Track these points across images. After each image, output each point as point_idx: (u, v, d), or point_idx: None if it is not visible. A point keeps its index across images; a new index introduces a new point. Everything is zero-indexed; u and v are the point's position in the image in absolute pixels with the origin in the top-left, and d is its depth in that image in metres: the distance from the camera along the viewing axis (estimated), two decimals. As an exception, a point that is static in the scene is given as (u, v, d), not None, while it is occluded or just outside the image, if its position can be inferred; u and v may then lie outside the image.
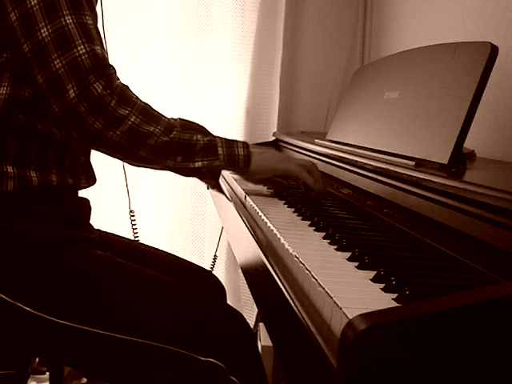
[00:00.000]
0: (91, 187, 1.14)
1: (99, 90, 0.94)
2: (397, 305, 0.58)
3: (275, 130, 2.08)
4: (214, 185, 1.14)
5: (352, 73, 1.74)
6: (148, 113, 1.00)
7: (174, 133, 1.01)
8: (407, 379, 0.45)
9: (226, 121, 2.05)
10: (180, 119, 1.06)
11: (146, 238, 1.97)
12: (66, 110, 0.94)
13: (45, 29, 0.94)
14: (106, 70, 0.97)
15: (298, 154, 1.62)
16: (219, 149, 1.05)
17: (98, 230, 1.19)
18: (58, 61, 0.94)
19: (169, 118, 1.04)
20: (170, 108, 2.03)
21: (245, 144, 1.08)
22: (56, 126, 1.02)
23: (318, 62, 2.15)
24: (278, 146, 1.88)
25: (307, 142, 1.51)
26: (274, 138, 1.94)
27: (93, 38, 0.97)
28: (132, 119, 0.97)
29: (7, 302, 0.93)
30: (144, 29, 2.01)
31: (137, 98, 1.01)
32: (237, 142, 1.08)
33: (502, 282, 0.62)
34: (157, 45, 2.02)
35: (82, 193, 1.13)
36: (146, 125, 0.99)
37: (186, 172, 1.07)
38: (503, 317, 0.46)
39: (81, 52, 0.94)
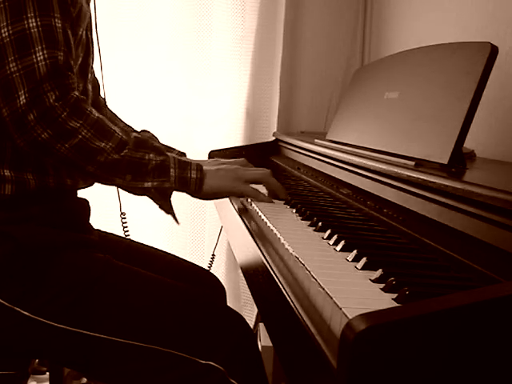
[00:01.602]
0: (90, 187, 1.14)
1: (51, 100, 0.91)
2: (397, 305, 0.58)
3: (275, 130, 2.07)
4: (165, 206, 1.07)
5: (352, 73, 1.74)
6: (100, 128, 0.96)
7: (126, 151, 0.98)
8: (407, 379, 0.45)
9: (226, 121, 2.05)
10: (135, 136, 1.02)
11: (146, 238, 1.96)
12: (15, 116, 0.91)
13: (5, 29, 0.90)
14: (63, 80, 0.93)
15: (297, 154, 1.62)
16: (171, 170, 1.01)
17: (98, 230, 1.18)
18: (14, 64, 0.90)
19: (124, 134, 0.99)
20: (170, 108, 2.03)
21: (198, 166, 1.05)
22: (7, 134, 0.98)
23: (318, 62, 2.14)
24: (278, 146, 1.88)
25: (307, 142, 1.51)
26: (273, 138, 1.94)
27: (57, 42, 0.93)
28: (83, 133, 0.94)
29: (5, 306, 0.93)
30: (144, 29, 2.00)
31: (90, 111, 0.97)
32: (191, 163, 1.04)
33: (501, 282, 0.62)
34: (157, 45, 2.02)
35: (81, 193, 1.13)
36: (97, 140, 0.95)
37: (135, 191, 1.03)
38: (503, 317, 0.46)
39: (39, 58, 0.91)
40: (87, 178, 1.03)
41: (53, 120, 0.91)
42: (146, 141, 1.03)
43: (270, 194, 1.14)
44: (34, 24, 0.91)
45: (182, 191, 1.06)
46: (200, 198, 1.09)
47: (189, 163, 1.04)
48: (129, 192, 1.05)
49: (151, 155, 1.00)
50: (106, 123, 0.98)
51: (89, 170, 0.97)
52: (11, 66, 0.90)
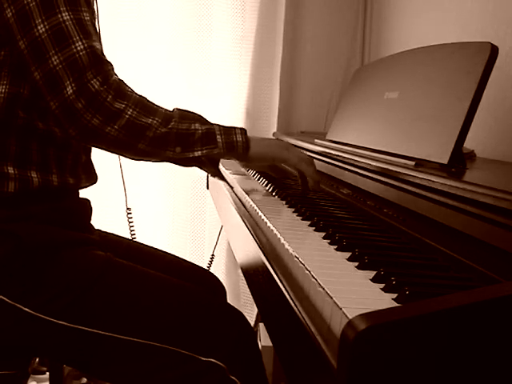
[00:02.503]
0: (92, 186, 1.14)
1: (96, 86, 0.94)
2: (397, 305, 0.57)
3: (275, 130, 2.08)
4: (214, 172, 1.13)
5: (352, 73, 1.74)
6: (145, 105, 1.00)
7: (172, 123, 1.01)
8: (407, 379, 0.45)
9: (226, 121, 2.05)
10: (177, 109, 1.06)
11: (146, 238, 1.96)
12: (64, 107, 0.94)
13: (41, 25, 0.93)
14: (103, 66, 0.97)
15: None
16: (218, 137, 1.05)
17: (99, 230, 1.19)
18: (56, 57, 0.93)
19: (166, 109, 1.04)
20: (169, 108, 2.03)
21: (243, 130, 1.08)
22: (56, 124, 1.02)
23: (318, 62, 2.14)
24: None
25: (307, 142, 1.51)
26: (273, 138, 1.94)
27: (90, 33, 0.97)
28: (129, 112, 0.97)
29: (7, 304, 0.93)
30: (144, 29, 2.01)
31: (132, 91, 1.00)
32: (235, 128, 1.08)
33: (501, 282, 0.62)
34: (157, 45, 2.02)
35: (83, 192, 1.13)
36: (144, 117, 0.99)
37: (185, 162, 1.06)
38: (503, 317, 0.46)
39: (78, 48, 0.94)
40: (140, 157, 1.05)
41: (100, 104, 0.95)
42: (189, 112, 1.07)
43: (303, 182, 1.16)
44: (68, 17, 0.95)
45: (230, 156, 1.09)
46: (248, 162, 1.12)
47: (233, 128, 1.08)
48: (179, 164, 1.08)
49: (196, 125, 1.04)
50: (149, 101, 1.02)
51: (140, 147, 1.00)
52: (53, 59, 0.93)
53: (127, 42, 2.00)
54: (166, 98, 2.03)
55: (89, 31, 0.97)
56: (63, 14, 0.94)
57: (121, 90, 0.98)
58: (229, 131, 1.07)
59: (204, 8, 2.00)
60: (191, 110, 1.08)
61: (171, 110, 1.05)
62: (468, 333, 0.46)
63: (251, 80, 2.04)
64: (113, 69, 1.00)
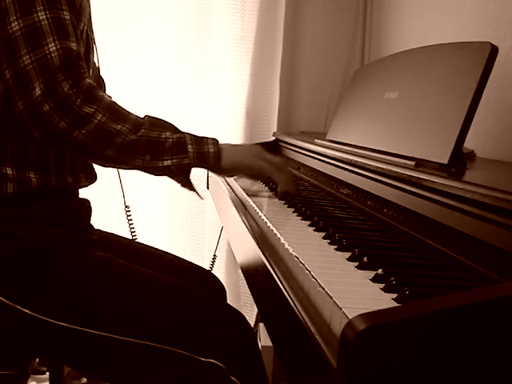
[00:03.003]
0: (91, 185, 1.14)
1: (65, 89, 0.92)
2: (397, 305, 0.58)
3: (275, 130, 2.07)
4: (185, 182, 1.09)
5: (352, 73, 1.74)
6: (115, 111, 0.98)
7: (142, 131, 0.99)
8: (407, 379, 0.45)
9: (226, 121, 2.05)
10: (148, 117, 1.03)
11: (146, 238, 1.96)
12: (31, 108, 0.91)
13: (16, 23, 0.91)
14: (75, 69, 0.94)
15: (297, 153, 1.62)
16: (189, 146, 1.02)
17: (99, 230, 1.18)
18: (27, 57, 0.91)
19: (137, 115, 1.01)
20: (169, 108, 2.03)
21: (215, 140, 1.06)
22: None
23: (318, 62, 2.14)
24: (278, 145, 1.88)
25: (307, 142, 1.51)
26: (273, 138, 1.94)
27: (67, 34, 0.94)
28: (98, 117, 0.95)
29: (6, 305, 0.93)
30: (144, 29, 2.00)
31: (103, 96, 0.98)
32: (207, 138, 1.05)
33: (501, 282, 0.62)
34: (157, 45, 2.02)
35: (82, 191, 1.13)
36: (113, 123, 0.96)
37: (155, 171, 1.04)
38: (503, 317, 0.46)
39: (51, 49, 0.92)
40: (108, 164, 1.03)
41: (68, 108, 0.92)
42: (160, 120, 1.04)
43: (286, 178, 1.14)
44: (44, 17, 0.92)
45: (202, 167, 1.07)
46: (220, 174, 1.10)
47: (205, 138, 1.05)
48: (149, 173, 1.05)
49: (167, 133, 1.02)
50: (120, 106, 1.00)
51: (108, 154, 0.97)
52: (24, 58, 0.91)
53: (127, 42, 2.00)
54: (166, 98, 2.03)
55: (66, 31, 0.94)
56: (40, 14, 0.92)
57: (91, 94, 0.95)
58: (200, 141, 1.04)
59: (204, 8, 1.99)
60: (163, 118, 1.06)
61: (142, 116, 1.02)
62: (468, 333, 0.46)
63: (251, 80, 2.04)
64: (85, 72, 0.97)
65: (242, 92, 2.04)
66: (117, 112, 0.98)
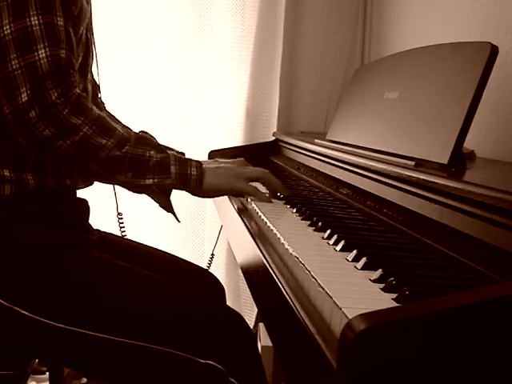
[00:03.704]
0: (89, 187, 1.13)
1: (53, 97, 0.91)
2: (397, 305, 0.57)
3: (275, 130, 2.07)
4: (165, 203, 1.09)
5: (352, 73, 1.74)
6: (102, 125, 0.97)
7: (127, 147, 0.98)
8: (407, 379, 0.45)
9: (226, 121, 2.05)
10: (135, 133, 1.03)
11: (146, 238, 1.96)
12: (16, 114, 0.91)
13: (8, 26, 0.90)
14: (65, 77, 0.93)
15: (297, 154, 1.62)
16: (172, 167, 1.02)
17: (97, 230, 1.18)
18: (16, 61, 0.90)
19: (125, 130, 1.00)
20: (169, 108, 2.03)
21: (198, 163, 1.06)
22: None
23: (318, 62, 2.14)
24: (278, 145, 1.88)
25: (307, 142, 1.51)
26: (273, 138, 1.94)
27: (59, 40, 0.93)
28: (84, 130, 0.94)
29: (4, 306, 0.93)
30: (144, 29, 2.01)
31: (92, 108, 0.97)
32: (191, 160, 1.05)
33: (501, 282, 0.62)
34: (157, 45, 2.02)
35: (79, 193, 1.13)
36: (99, 137, 0.96)
37: (135, 188, 1.04)
38: (503, 317, 0.46)
39: (41, 56, 0.91)
40: (89, 176, 1.03)
41: (54, 117, 0.92)
42: (147, 138, 1.04)
43: (271, 192, 1.15)
44: (37, 22, 0.91)
45: (183, 189, 1.06)
46: (200, 196, 1.09)
47: (188, 160, 1.05)
48: (129, 190, 1.05)
49: (152, 152, 1.01)
50: (107, 120, 0.99)
51: (91, 167, 0.97)
52: (13, 63, 0.90)
53: (127, 42, 2.00)
54: (166, 98, 2.03)
55: (58, 38, 0.93)
56: (32, 18, 0.91)
57: (79, 104, 0.94)
58: (184, 163, 1.04)
59: (204, 8, 1.99)
60: (151, 136, 1.05)
61: (130, 132, 1.02)
62: (468, 333, 0.46)
63: (251, 80, 2.04)
64: (75, 81, 0.96)
65: (242, 92, 2.04)
66: (104, 126, 0.97)
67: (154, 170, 1.01)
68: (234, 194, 1.13)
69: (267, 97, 2.08)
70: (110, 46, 1.96)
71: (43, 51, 0.91)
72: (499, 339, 0.46)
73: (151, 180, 1.01)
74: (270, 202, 1.11)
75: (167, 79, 2.03)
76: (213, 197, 1.12)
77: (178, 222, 1.15)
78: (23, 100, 0.90)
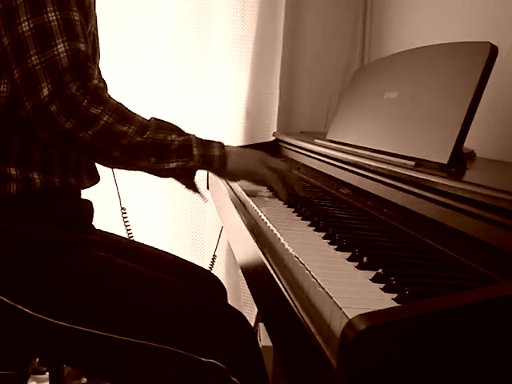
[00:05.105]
0: (92, 186, 1.14)
1: (73, 90, 0.92)
2: (397, 305, 0.58)
3: (275, 130, 2.07)
4: (190, 185, 1.10)
5: (352, 73, 1.74)
6: (121, 112, 0.98)
7: (148, 133, 0.99)
8: (407, 379, 0.45)
9: (226, 121, 2.05)
10: (154, 119, 1.03)
11: (146, 238, 1.96)
12: (38, 109, 0.92)
13: (26, 23, 0.92)
14: (83, 70, 0.95)
15: (297, 154, 1.62)
16: (194, 149, 1.02)
17: (99, 230, 1.19)
18: (36, 57, 0.92)
19: (143, 117, 1.01)
20: (169, 108, 2.03)
21: (221, 144, 1.06)
22: None
23: (318, 62, 2.14)
24: (278, 145, 1.88)
25: (307, 142, 1.51)
26: (273, 138, 1.94)
27: (77, 35, 0.95)
28: (105, 119, 0.95)
29: (7, 304, 0.93)
30: (144, 29, 2.00)
31: (110, 97, 0.98)
32: (212, 142, 1.06)
33: (501, 282, 0.62)
34: (157, 45, 2.02)
35: (83, 192, 1.13)
36: (119, 125, 0.97)
37: (160, 173, 1.04)
38: (503, 317, 0.46)
39: (60, 50, 0.92)
40: (114, 165, 1.03)
41: (75, 109, 0.93)
42: (166, 122, 1.04)
43: (286, 188, 1.13)
44: (54, 18, 0.93)
45: (207, 169, 1.07)
46: (223, 177, 1.11)
47: (210, 142, 1.05)
48: (154, 175, 1.05)
49: (173, 136, 1.02)
50: (126, 108, 1.00)
51: (114, 155, 0.98)
52: (33, 59, 0.92)
53: (127, 42, 2.00)
54: (166, 98, 2.03)
55: (76, 32, 0.95)
56: (50, 14, 0.93)
57: (98, 95, 0.96)
58: (206, 144, 1.04)
59: (204, 8, 1.99)
60: (169, 121, 1.06)
61: (148, 118, 1.03)
62: (468, 333, 0.46)
63: (251, 80, 2.04)
64: (93, 74, 0.98)
65: (242, 92, 2.04)
66: (123, 113, 0.98)
67: (177, 153, 1.01)
68: (255, 179, 1.11)
69: (267, 97, 2.08)
70: (110, 45, 1.96)
71: (62, 46, 0.93)
72: (499, 339, 0.46)
73: (175, 163, 1.01)
74: (288, 199, 1.10)
75: (167, 79, 2.03)
76: (237, 179, 1.13)
77: (206, 201, 1.16)
78: (44, 94, 0.91)
